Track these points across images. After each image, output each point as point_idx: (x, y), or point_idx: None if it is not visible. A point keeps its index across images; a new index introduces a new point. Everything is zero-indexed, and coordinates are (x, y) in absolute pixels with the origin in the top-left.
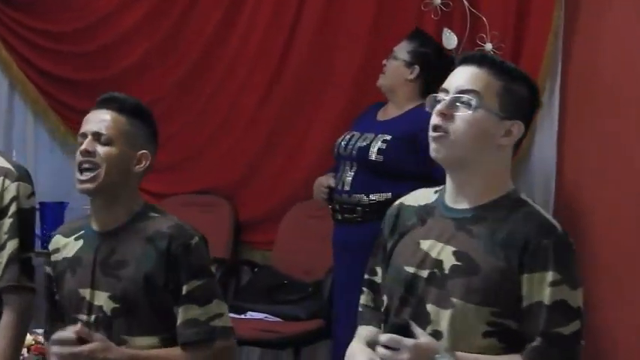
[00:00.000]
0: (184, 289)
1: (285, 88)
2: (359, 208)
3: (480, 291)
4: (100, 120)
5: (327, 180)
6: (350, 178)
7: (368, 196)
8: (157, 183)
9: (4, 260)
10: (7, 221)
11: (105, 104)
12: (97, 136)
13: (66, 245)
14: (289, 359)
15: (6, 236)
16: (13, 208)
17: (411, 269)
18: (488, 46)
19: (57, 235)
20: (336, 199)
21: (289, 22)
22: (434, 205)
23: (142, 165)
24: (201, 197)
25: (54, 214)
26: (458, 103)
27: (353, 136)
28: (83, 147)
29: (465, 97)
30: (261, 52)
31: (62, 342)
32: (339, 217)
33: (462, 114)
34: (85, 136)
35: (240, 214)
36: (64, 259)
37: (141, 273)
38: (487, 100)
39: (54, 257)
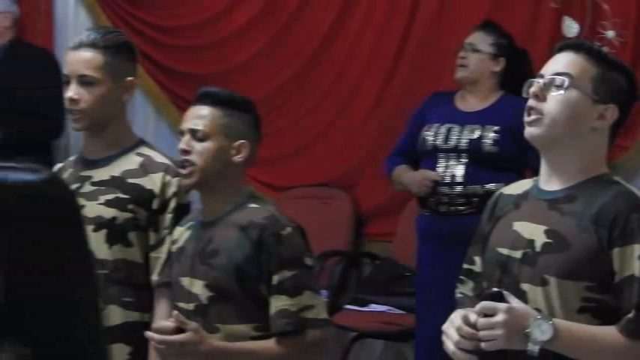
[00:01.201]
0: (275, 279)
1: (400, 78)
2: (475, 199)
3: (573, 267)
4: (195, 116)
5: (430, 173)
6: (462, 171)
7: (483, 187)
8: (275, 175)
9: (163, 255)
10: (168, 216)
11: (201, 100)
12: (193, 133)
13: (180, 235)
14: (411, 352)
15: (166, 231)
16: (173, 204)
17: (504, 251)
18: (610, 34)
19: (177, 226)
20: (444, 192)
21: (404, 20)
22: (529, 190)
23: (241, 155)
24: (321, 189)
25: None
26: (552, 86)
27: (451, 128)
28: (181, 145)
29: (559, 78)
30: (377, 42)
31: (160, 330)
32: (445, 210)
33: (555, 94)
34: (183, 133)
35: (361, 206)
36: (177, 248)
37: (233, 262)
38: (580, 83)
39: (173, 248)
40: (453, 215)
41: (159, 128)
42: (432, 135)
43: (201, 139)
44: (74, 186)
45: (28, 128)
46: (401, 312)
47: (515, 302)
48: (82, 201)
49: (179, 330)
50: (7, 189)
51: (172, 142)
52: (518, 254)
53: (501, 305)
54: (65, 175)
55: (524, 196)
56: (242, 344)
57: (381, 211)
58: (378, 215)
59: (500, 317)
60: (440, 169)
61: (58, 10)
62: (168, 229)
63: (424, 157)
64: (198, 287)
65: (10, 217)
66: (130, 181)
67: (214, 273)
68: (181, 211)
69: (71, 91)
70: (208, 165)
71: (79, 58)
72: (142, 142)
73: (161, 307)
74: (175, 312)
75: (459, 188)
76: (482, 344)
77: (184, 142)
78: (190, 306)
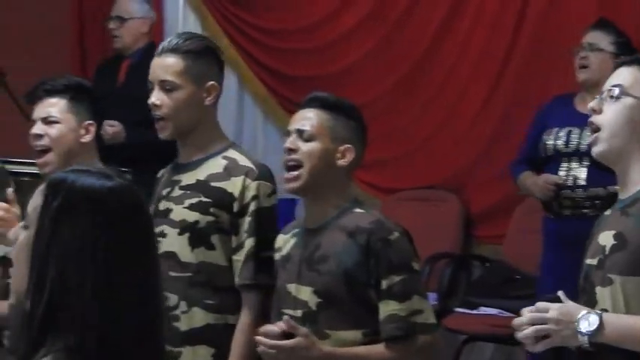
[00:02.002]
0: (384, 284)
1: (509, 79)
2: (598, 202)
3: (631, 263)
4: (303, 117)
5: (552, 177)
6: (584, 174)
7: (605, 189)
8: (384, 178)
9: (242, 258)
10: (247, 220)
11: (309, 103)
12: (299, 133)
13: (285, 243)
14: (522, 355)
15: (245, 234)
16: (252, 207)
17: (588, 261)
18: None
19: (280, 234)
20: (567, 195)
21: (513, 21)
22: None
23: (345, 159)
24: (429, 192)
25: (285, 211)
26: (607, 98)
27: (571, 131)
28: (287, 144)
29: (613, 89)
30: (486, 45)
31: (267, 334)
32: (569, 213)
33: (609, 104)
34: (289, 133)
35: (470, 208)
36: (282, 256)
37: (341, 268)
38: (632, 90)
39: (276, 255)
40: (577, 218)
41: (267, 131)
42: (552, 139)
43: (307, 140)
44: (165, 190)
45: (154, 134)
46: (512, 315)
47: (569, 303)
48: (170, 205)
49: (286, 334)
50: (76, 192)
51: (280, 145)
52: (595, 261)
53: (554, 304)
54: (162, 180)
55: (611, 208)
56: (352, 349)
57: (491, 213)
58: (488, 217)
59: (551, 313)
60: (562, 173)
61: (168, 15)
62: (248, 232)
63: (547, 161)
64: (306, 294)
65: (72, 218)
66: (214, 184)
67: (323, 279)
68: (262, 215)
69: (153, 97)
70: (314, 166)
71: (160, 64)
72: (232, 146)
73: (243, 311)
74: (286, 317)
75: (581, 191)
76: (538, 344)
77: (290, 141)
78: (298, 312)
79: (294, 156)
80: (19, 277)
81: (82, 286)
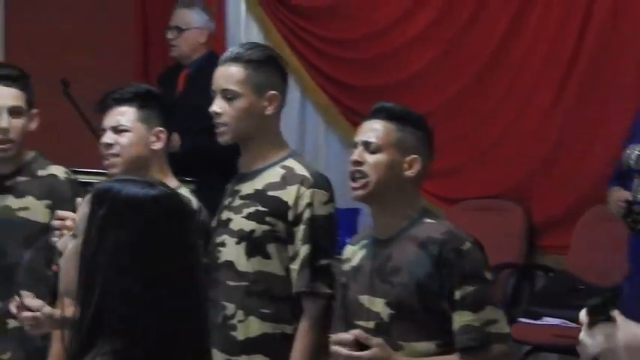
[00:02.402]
0: (457, 295)
1: (573, 88)
2: None
3: None
4: (369, 129)
5: (623, 194)
6: None
7: None
8: (447, 187)
9: (297, 266)
10: (301, 227)
11: (375, 114)
12: (366, 145)
13: (354, 254)
14: None
15: (300, 242)
16: (306, 215)
17: None
18: None
19: (348, 245)
20: (637, 211)
21: (577, 25)
22: None
23: (412, 170)
24: (492, 201)
25: (347, 221)
26: None
27: None
28: (353, 157)
29: None
30: (550, 53)
31: (341, 343)
32: None
33: None
34: (356, 145)
35: (533, 217)
36: (352, 267)
37: (413, 279)
38: None
39: (345, 266)
40: None
41: (329, 141)
42: (627, 155)
43: (373, 152)
44: (228, 200)
45: (212, 144)
46: (576, 325)
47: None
48: (230, 214)
49: (358, 343)
50: (120, 200)
51: (342, 155)
52: None
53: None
54: (228, 189)
55: None
56: (429, 359)
57: (555, 222)
58: (552, 227)
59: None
60: (634, 189)
61: (230, 25)
62: (302, 240)
63: (625, 176)
64: (378, 305)
65: (117, 225)
66: (270, 193)
67: (395, 290)
68: (317, 223)
69: (215, 105)
70: (380, 177)
71: (222, 73)
72: (292, 155)
73: (302, 319)
74: (358, 331)
75: None
76: None
77: (357, 153)
78: (370, 324)
79: (360, 168)
80: (67, 284)
81: (127, 291)
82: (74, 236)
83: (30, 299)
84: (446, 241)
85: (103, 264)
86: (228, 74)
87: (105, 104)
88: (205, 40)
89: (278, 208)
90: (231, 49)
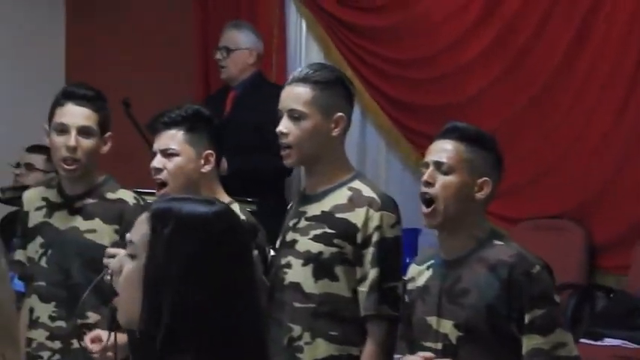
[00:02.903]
0: (526, 318)
1: (636, 108)
2: None
3: None
4: (441, 149)
5: None
6: None
7: None
8: (508, 207)
9: (366, 289)
10: (370, 250)
11: (447, 134)
12: (437, 166)
13: (419, 274)
14: None
15: (369, 265)
16: (375, 238)
17: None
18: None
19: (412, 264)
20: None
21: (639, 47)
22: None
23: (483, 192)
24: (553, 221)
25: (408, 241)
26: None
27: None
28: (424, 177)
29: None
30: (612, 72)
31: None
32: None
33: None
34: (427, 165)
35: (594, 238)
36: (417, 287)
37: (483, 302)
38: None
39: (409, 286)
40: None
41: (390, 162)
42: None
43: (445, 172)
44: (292, 221)
45: (261, 164)
46: (637, 346)
47: None
48: (296, 236)
49: None
50: (184, 218)
51: (403, 175)
52: None
53: None
54: (291, 211)
55: None
56: None
57: (615, 243)
58: (612, 247)
59: None
60: None
61: (290, 45)
62: (371, 263)
63: None
64: (447, 327)
65: (184, 243)
66: (338, 215)
67: (464, 313)
68: (386, 246)
69: (281, 125)
70: (451, 199)
71: (289, 93)
72: (357, 176)
73: (367, 342)
74: (428, 353)
75: None
76: None
77: (428, 174)
78: (438, 345)
79: (431, 190)
80: (129, 305)
81: (199, 309)
82: (132, 257)
83: (103, 334)
84: (516, 265)
85: (172, 282)
86: (296, 94)
87: (155, 127)
88: (254, 61)
89: (346, 231)
90: (300, 70)
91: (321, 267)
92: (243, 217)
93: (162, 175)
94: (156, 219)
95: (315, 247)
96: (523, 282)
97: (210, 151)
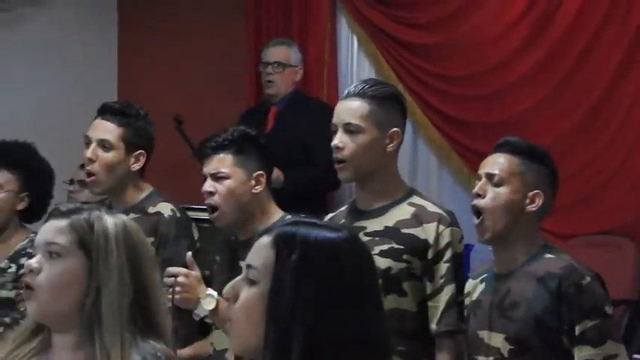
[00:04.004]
0: (577, 330)
1: None
2: None
3: None
4: (493, 162)
5: None
6: None
7: None
8: (558, 224)
9: (441, 305)
10: (444, 266)
11: (500, 148)
12: (489, 178)
13: (474, 288)
14: None
15: (442, 280)
16: (448, 254)
17: None
18: None
19: (469, 279)
20: None
21: None
22: None
23: (535, 205)
24: (605, 238)
25: None
26: None
27: None
28: (475, 189)
29: None
30: None
31: None
32: None
33: None
34: (479, 178)
35: None
36: (472, 302)
37: (532, 314)
38: None
39: (466, 300)
40: None
41: (441, 177)
42: None
43: (496, 184)
44: None
45: (306, 179)
46: None
47: None
48: None
49: None
50: (312, 245)
51: (455, 190)
52: None
53: None
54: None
55: None
56: None
57: None
58: None
59: None
60: None
61: (342, 61)
62: (446, 279)
63: None
64: (498, 340)
65: (315, 271)
66: (405, 231)
67: (514, 326)
68: (457, 261)
69: (336, 139)
70: (503, 212)
71: (345, 107)
72: (413, 192)
73: (442, 357)
74: None
75: None
76: None
77: (479, 186)
78: (490, 359)
79: (480, 202)
80: (246, 333)
81: (335, 338)
82: (251, 283)
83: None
84: (565, 276)
85: (304, 311)
86: (352, 108)
87: (202, 153)
88: (299, 79)
89: (415, 246)
90: (355, 85)
91: (390, 282)
92: None
93: (214, 200)
94: (281, 244)
95: (383, 263)
96: (572, 294)
97: (260, 172)
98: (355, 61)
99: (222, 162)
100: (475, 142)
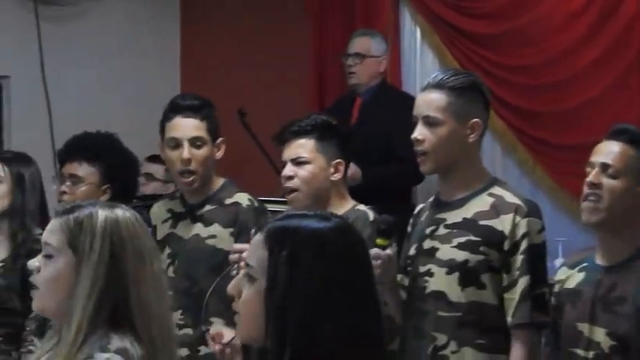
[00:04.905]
0: None
1: None
2: None
3: None
4: (608, 151)
5: None
6: None
7: None
8: None
9: (516, 297)
10: (519, 257)
11: (615, 136)
12: (604, 167)
13: (569, 277)
14: None
15: (517, 272)
16: (524, 245)
17: None
18: None
19: (563, 267)
20: None
21: None
22: None
23: None
24: None
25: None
26: None
27: None
28: (590, 178)
29: None
30: None
31: None
32: None
33: None
34: (592, 165)
35: None
36: (567, 290)
37: (637, 311)
38: None
39: (557, 288)
40: None
41: (506, 166)
42: None
43: (611, 176)
44: (430, 229)
45: (390, 172)
46: None
47: None
48: (435, 243)
49: None
50: (302, 237)
51: (520, 181)
52: None
53: None
54: (422, 218)
55: None
56: None
57: None
58: None
59: None
60: None
61: (405, 53)
62: (520, 270)
63: None
64: (599, 335)
65: (305, 263)
66: (482, 223)
67: (619, 322)
68: (534, 252)
69: (416, 132)
70: (616, 204)
71: (424, 100)
72: (494, 182)
73: (515, 350)
74: None
75: None
76: None
77: (594, 175)
78: (590, 354)
79: (597, 191)
80: (250, 324)
81: (323, 328)
82: (250, 279)
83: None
84: None
85: (296, 304)
86: (430, 100)
87: (283, 137)
88: (383, 69)
89: (492, 238)
90: (434, 75)
91: (468, 275)
92: (372, 216)
93: (294, 183)
94: (272, 240)
95: (460, 256)
96: None
97: (339, 160)
98: (418, 53)
99: (304, 147)
100: (540, 132)
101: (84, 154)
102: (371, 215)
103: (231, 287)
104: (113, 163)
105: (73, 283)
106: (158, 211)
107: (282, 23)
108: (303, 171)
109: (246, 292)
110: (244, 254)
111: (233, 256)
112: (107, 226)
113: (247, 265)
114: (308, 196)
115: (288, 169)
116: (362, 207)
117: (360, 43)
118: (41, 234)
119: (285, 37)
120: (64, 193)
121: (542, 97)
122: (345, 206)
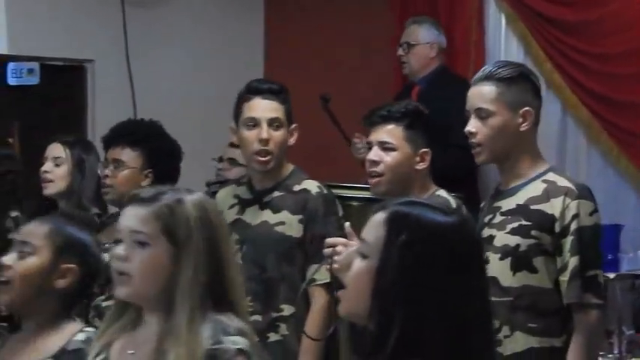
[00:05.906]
0: None
1: None
2: None
3: None
4: None
5: None
6: None
7: None
8: None
9: (566, 278)
10: (569, 239)
11: None
12: None
13: None
14: None
15: (568, 254)
16: (574, 226)
17: None
18: None
19: None
20: None
21: None
22: None
23: None
24: None
25: (609, 236)
26: None
27: None
28: None
29: None
30: None
31: None
32: None
33: None
34: None
35: None
36: None
37: None
38: None
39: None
40: None
41: (591, 156)
42: None
43: None
44: (487, 217)
45: (449, 159)
46: None
47: None
48: (492, 231)
49: None
50: (422, 227)
51: (605, 171)
52: None
53: None
54: (485, 208)
55: None
56: None
57: None
58: None
59: None
60: None
61: (490, 40)
62: (571, 252)
63: None
64: None
65: (420, 252)
66: (533, 207)
67: None
68: (584, 233)
69: (469, 125)
70: None
71: (475, 92)
72: (551, 169)
73: (575, 332)
74: None
75: None
76: None
77: None
78: None
79: None
80: (354, 300)
81: (431, 317)
82: (363, 256)
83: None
84: None
85: (405, 289)
86: (481, 93)
87: (372, 120)
88: (435, 55)
89: (543, 221)
90: (484, 68)
91: (519, 260)
92: (454, 203)
93: (379, 168)
94: (392, 223)
95: (513, 241)
96: None
97: (426, 150)
98: (503, 40)
99: (392, 133)
100: (626, 122)
101: (127, 139)
102: (453, 203)
103: (341, 259)
104: (155, 148)
105: (171, 272)
106: (224, 196)
107: (365, 10)
108: (389, 157)
109: (357, 267)
110: (338, 248)
111: (327, 250)
112: (198, 213)
113: (362, 239)
114: (391, 182)
115: (374, 154)
116: (443, 193)
117: (407, 32)
118: (98, 214)
119: (368, 25)
120: (107, 177)
121: (630, 85)
122: (427, 193)
